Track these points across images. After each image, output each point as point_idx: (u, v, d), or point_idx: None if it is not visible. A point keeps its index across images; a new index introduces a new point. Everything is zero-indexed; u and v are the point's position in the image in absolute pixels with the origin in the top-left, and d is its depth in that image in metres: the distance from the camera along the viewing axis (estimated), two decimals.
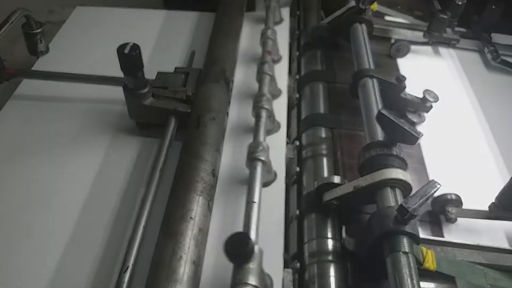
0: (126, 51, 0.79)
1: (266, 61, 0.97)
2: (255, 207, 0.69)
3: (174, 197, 0.70)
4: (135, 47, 0.79)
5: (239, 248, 0.56)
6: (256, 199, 0.70)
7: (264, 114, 0.86)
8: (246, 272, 0.57)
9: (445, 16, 1.12)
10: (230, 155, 0.88)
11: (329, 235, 0.73)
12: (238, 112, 0.97)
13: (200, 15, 1.30)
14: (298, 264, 0.72)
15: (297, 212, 0.79)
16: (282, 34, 1.18)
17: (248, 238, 0.57)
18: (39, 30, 1.06)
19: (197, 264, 0.62)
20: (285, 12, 1.29)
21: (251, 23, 1.25)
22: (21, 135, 0.92)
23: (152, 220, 0.72)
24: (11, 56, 1.16)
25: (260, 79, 0.94)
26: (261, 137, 0.81)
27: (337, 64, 1.12)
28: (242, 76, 1.07)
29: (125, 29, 1.21)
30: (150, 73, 0.88)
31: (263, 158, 0.77)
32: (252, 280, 0.56)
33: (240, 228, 0.75)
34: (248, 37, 1.20)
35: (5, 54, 1.13)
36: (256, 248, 0.58)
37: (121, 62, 0.80)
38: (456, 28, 1.20)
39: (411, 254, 0.62)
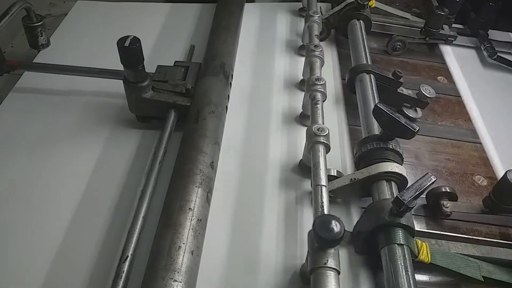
0: (127, 44, 0.78)
1: (317, 44, 0.98)
2: (324, 190, 0.69)
3: (174, 188, 0.70)
4: (136, 40, 0.79)
5: (332, 233, 0.57)
6: (324, 182, 0.70)
7: (320, 97, 0.86)
8: (328, 255, 0.59)
9: (443, 13, 1.13)
10: (228, 149, 0.89)
11: None
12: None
13: (201, 8, 1.30)
14: None
15: None
16: None
17: (343, 227, 0.58)
18: (39, 23, 1.06)
19: (196, 254, 0.63)
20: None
21: (254, 13, 1.27)
22: (23, 127, 0.92)
23: (152, 211, 0.73)
24: (12, 49, 1.16)
25: (311, 62, 0.94)
26: (321, 120, 0.80)
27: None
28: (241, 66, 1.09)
29: (125, 23, 1.22)
30: (150, 66, 0.88)
31: (326, 142, 0.75)
32: (333, 263, 0.58)
33: (238, 221, 0.77)
34: (250, 27, 1.22)
35: (5, 46, 1.14)
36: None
37: (121, 55, 0.80)
38: (453, 25, 1.22)
39: (406, 246, 0.63)
